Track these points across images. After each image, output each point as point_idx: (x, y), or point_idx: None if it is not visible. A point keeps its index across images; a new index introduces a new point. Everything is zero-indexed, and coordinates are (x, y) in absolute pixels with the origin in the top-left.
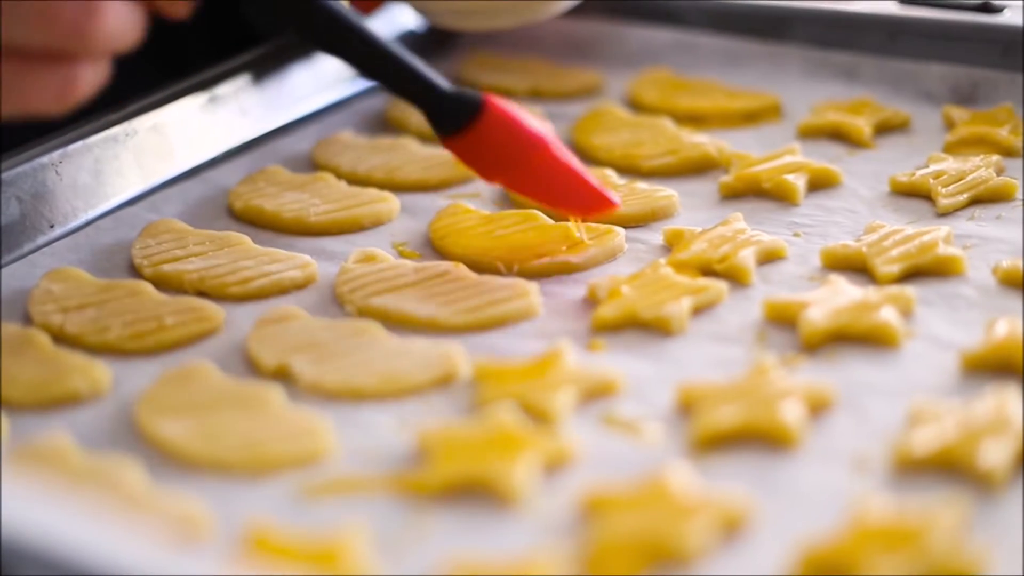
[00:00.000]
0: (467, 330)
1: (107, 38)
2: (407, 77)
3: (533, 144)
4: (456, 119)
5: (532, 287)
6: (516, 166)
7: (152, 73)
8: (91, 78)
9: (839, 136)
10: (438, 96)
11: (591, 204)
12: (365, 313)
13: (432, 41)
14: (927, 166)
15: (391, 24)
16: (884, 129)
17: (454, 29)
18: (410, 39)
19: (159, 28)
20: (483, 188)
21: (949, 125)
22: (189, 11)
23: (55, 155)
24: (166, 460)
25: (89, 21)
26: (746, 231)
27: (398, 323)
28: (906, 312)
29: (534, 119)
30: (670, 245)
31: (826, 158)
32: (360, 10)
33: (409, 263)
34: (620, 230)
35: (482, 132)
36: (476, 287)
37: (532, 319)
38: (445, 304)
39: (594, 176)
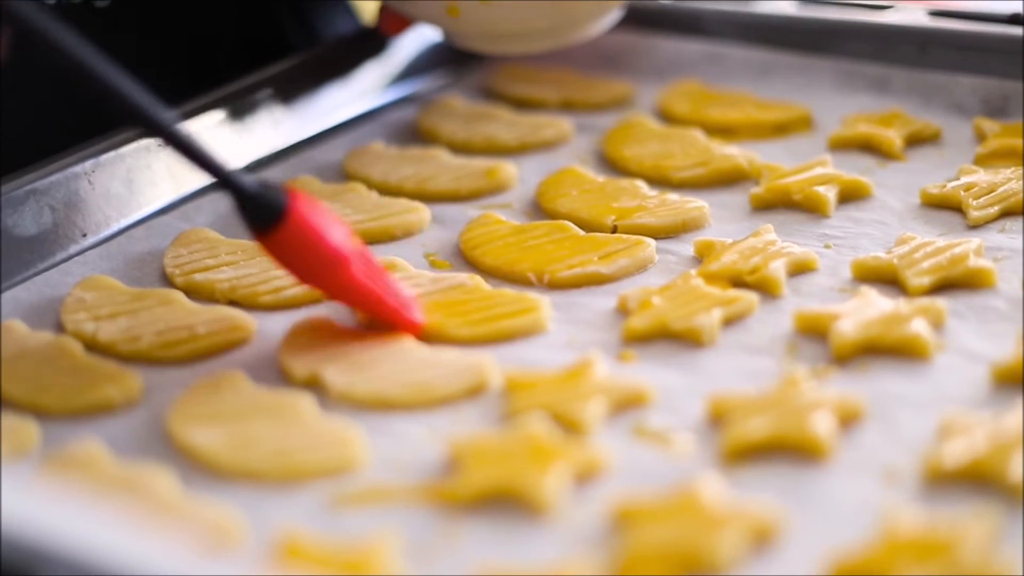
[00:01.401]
0: (476, 343)
1: None
2: (215, 172)
3: (332, 260)
4: (259, 220)
5: (543, 301)
6: (318, 276)
7: (184, 84)
8: None
9: (870, 148)
10: (243, 194)
11: (392, 323)
12: (373, 324)
13: (461, 53)
14: (958, 178)
15: (419, 38)
16: (915, 141)
17: (483, 53)
18: (440, 51)
19: (191, 41)
20: (514, 198)
21: (980, 137)
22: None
23: (88, 164)
24: (198, 468)
25: None
26: (777, 243)
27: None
28: (937, 324)
29: (340, 232)
30: (701, 256)
31: (857, 170)
32: (388, 32)
33: (427, 274)
34: (651, 241)
35: (286, 237)
36: (487, 300)
37: (541, 334)
38: (455, 315)
39: (398, 294)
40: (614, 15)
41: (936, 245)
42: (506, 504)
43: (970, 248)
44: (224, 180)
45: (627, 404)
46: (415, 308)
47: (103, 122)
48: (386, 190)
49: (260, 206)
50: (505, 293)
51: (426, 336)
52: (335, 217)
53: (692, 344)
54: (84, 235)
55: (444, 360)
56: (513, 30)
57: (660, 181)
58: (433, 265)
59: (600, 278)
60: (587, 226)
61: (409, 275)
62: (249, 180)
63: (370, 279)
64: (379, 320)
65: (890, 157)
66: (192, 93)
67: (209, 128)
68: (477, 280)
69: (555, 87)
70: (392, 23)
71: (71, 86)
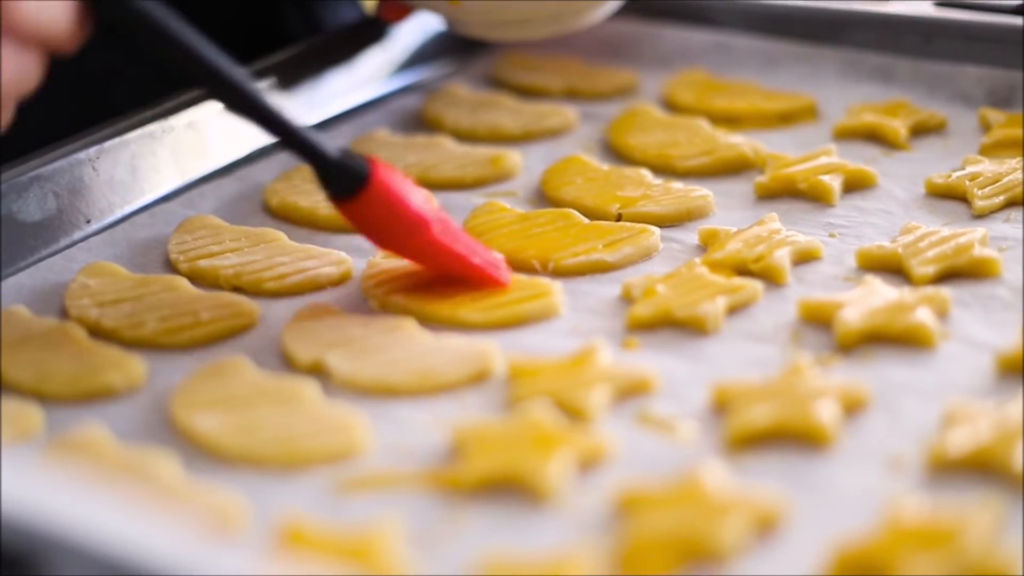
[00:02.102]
0: (489, 327)
1: (4, 90)
2: (298, 140)
3: (415, 223)
4: (341, 186)
5: (555, 286)
6: (399, 241)
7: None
8: None
9: (875, 137)
10: (326, 161)
11: (478, 282)
12: (387, 308)
13: (466, 41)
14: (963, 168)
15: (423, 26)
16: (920, 131)
17: (484, 40)
18: (444, 40)
19: (194, 29)
20: (519, 186)
21: (985, 127)
22: (78, 45)
23: (92, 151)
24: (201, 454)
25: None
26: (781, 231)
27: (420, 318)
28: (941, 313)
29: (420, 196)
30: (705, 245)
31: (862, 159)
32: (388, 19)
33: None
34: (656, 229)
35: (367, 203)
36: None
37: (554, 318)
38: (463, 301)
39: (484, 254)
40: (614, 3)
41: (941, 234)
42: (509, 491)
43: (975, 237)
44: (307, 147)
45: (631, 391)
46: (501, 266)
47: (106, 109)
48: None
49: (343, 173)
50: (516, 279)
51: (439, 322)
52: (414, 184)
53: (696, 332)
54: (88, 221)
55: (448, 347)
56: (514, 17)
57: (665, 170)
58: None
59: (604, 266)
60: (592, 214)
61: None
62: (330, 147)
63: (453, 241)
64: (465, 279)
65: (895, 147)
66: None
67: (213, 116)
68: None
69: (560, 75)
70: (393, 10)
71: (153, 50)
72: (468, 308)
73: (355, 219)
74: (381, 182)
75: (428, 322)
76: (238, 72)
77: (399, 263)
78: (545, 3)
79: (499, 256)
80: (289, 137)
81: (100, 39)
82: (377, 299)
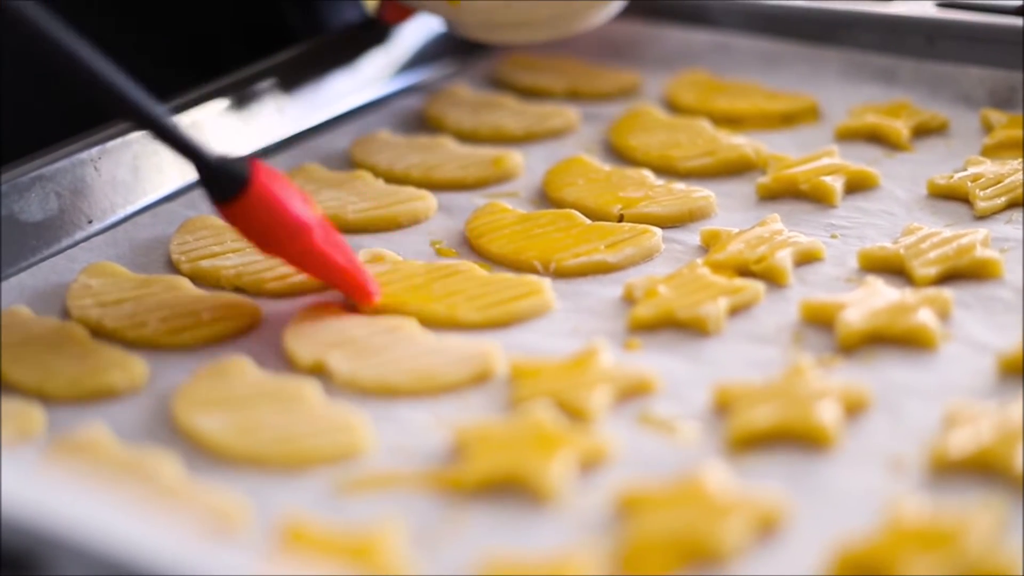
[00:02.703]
0: (483, 327)
1: None
2: (178, 142)
3: (295, 228)
4: (221, 190)
5: (546, 283)
6: (281, 245)
7: (188, 73)
8: None
9: (877, 138)
10: (205, 164)
11: (352, 292)
12: (384, 309)
13: (468, 42)
14: (965, 169)
15: (425, 27)
16: (922, 132)
17: (484, 42)
18: (446, 40)
19: (195, 30)
20: (521, 187)
21: (987, 128)
22: None
23: (94, 151)
24: (202, 454)
25: None
26: (783, 232)
27: (416, 319)
28: (943, 314)
29: (301, 201)
30: (707, 246)
31: (864, 160)
32: (389, 20)
33: (418, 262)
34: (657, 230)
35: (248, 207)
36: (489, 284)
37: (547, 315)
38: (458, 301)
39: (358, 264)
40: (616, 5)
41: (942, 235)
42: (511, 491)
43: (976, 239)
44: (186, 150)
45: (632, 392)
46: (372, 279)
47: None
48: (392, 178)
49: (223, 176)
50: (505, 277)
51: (435, 322)
52: (296, 188)
53: (698, 333)
54: (90, 221)
55: (449, 347)
56: (514, 19)
57: (667, 170)
58: (439, 253)
59: (606, 267)
60: (593, 215)
61: (400, 263)
62: (211, 151)
63: (331, 247)
64: (338, 289)
65: (897, 148)
66: (196, 82)
67: (213, 117)
68: (471, 266)
69: (562, 76)
70: (393, 12)
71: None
72: (464, 308)
73: (236, 223)
74: (261, 185)
75: (425, 323)
76: (112, 71)
77: (385, 267)
78: (544, 6)
79: (371, 276)
80: (167, 136)
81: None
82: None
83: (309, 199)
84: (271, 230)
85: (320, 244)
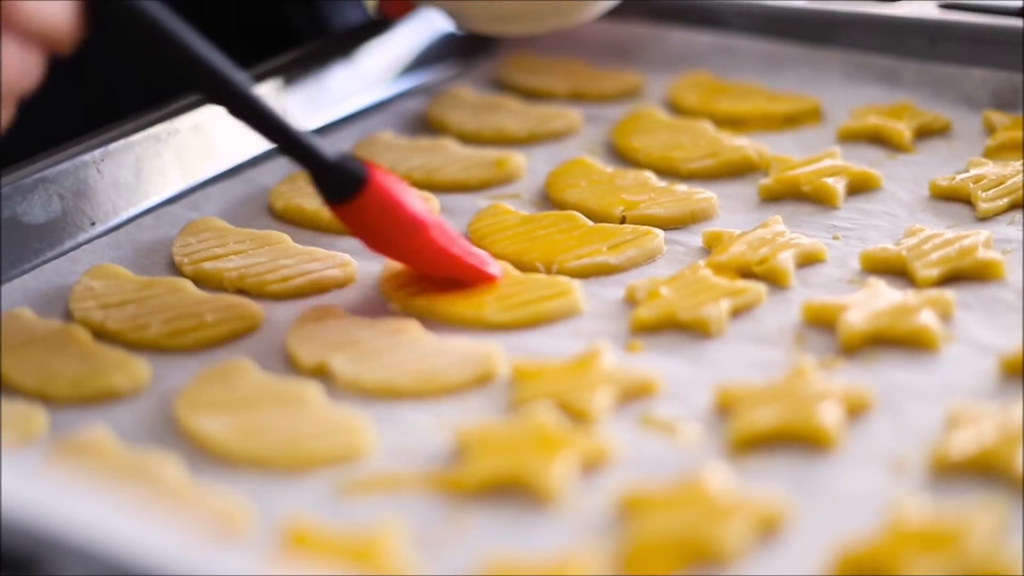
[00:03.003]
0: (512, 327)
1: (6, 88)
2: (295, 143)
3: (412, 226)
4: (339, 189)
5: (575, 284)
6: (396, 243)
7: None
8: None
9: (879, 140)
10: (323, 164)
11: (473, 280)
12: (409, 310)
13: (471, 43)
14: (967, 170)
15: (426, 28)
16: (924, 133)
17: (486, 34)
18: (449, 42)
19: (198, 30)
20: (523, 189)
21: (989, 130)
22: (76, 41)
23: (97, 153)
24: (205, 456)
25: None
26: (785, 234)
27: (440, 320)
28: (945, 316)
29: (416, 198)
30: (709, 247)
31: (866, 162)
32: (390, 14)
33: None
34: (659, 232)
35: (364, 206)
36: (519, 285)
37: (575, 317)
38: (487, 301)
39: (474, 254)
40: None
41: (945, 237)
42: (513, 493)
43: (979, 240)
44: (304, 150)
45: (634, 394)
46: (493, 264)
47: (111, 111)
48: None
49: (340, 176)
50: (534, 277)
51: (463, 323)
52: (410, 187)
53: (700, 334)
54: (93, 224)
55: (451, 349)
56: (515, 10)
57: (669, 172)
58: None
59: (608, 268)
60: (596, 217)
61: None
62: (328, 150)
63: (449, 243)
64: (457, 278)
65: (899, 149)
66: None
67: (217, 118)
68: (505, 265)
69: (564, 78)
70: (394, 6)
71: (151, 50)
72: (491, 308)
73: (352, 222)
74: (379, 185)
75: (452, 323)
76: (237, 75)
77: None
78: None
79: (489, 257)
80: (287, 141)
81: (104, 41)
82: (400, 301)
83: (425, 198)
84: (388, 228)
85: (438, 240)
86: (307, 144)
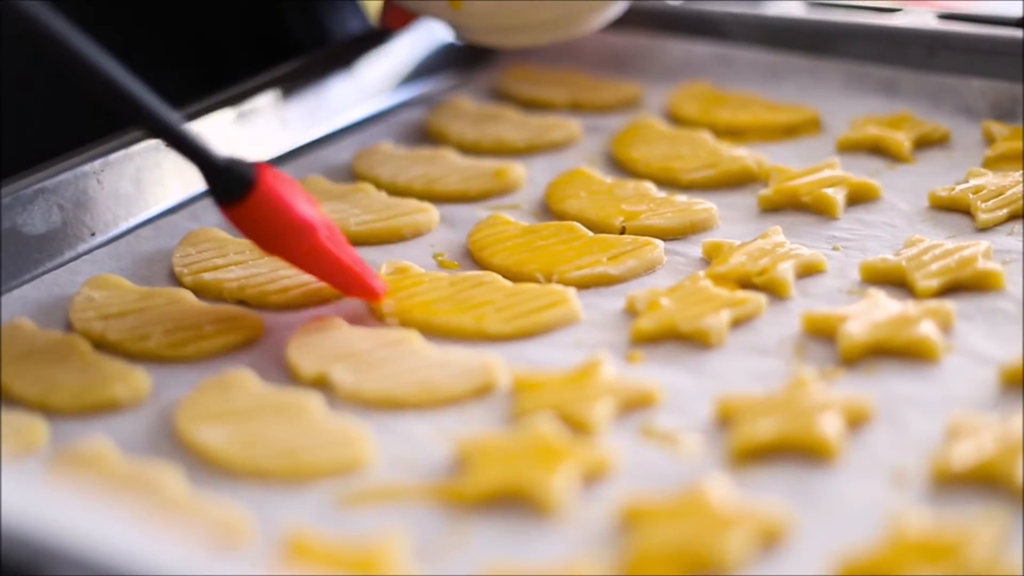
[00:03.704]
0: (511, 338)
1: None
2: (181, 141)
3: (300, 228)
4: (227, 191)
5: (571, 292)
6: (286, 246)
7: (192, 84)
8: None
9: (879, 150)
10: (211, 166)
11: (357, 290)
12: (405, 323)
13: (470, 54)
14: (967, 181)
15: (427, 38)
16: (924, 144)
17: (486, 45)
18: (448, 52)
19: (198, 40)
20: (523, 199)
21: (989, 140)
22: None
23: (97, 164)
24: (205, 467)
25: None
26: (785, 244)
27: (439, 333)
28: (945, 326)
29: (306, 201)
30: (709, 258)
31: (866, 172)
32: (391, 26)
33: (443, 273)
34: (659, 242)
35: (253, 208)
36: (515, 295)
37: (573, 325)
38: (486, 312)
39: (363, 264)
40: (617, 9)
41: (944, 247)
42: (514, 504)
43: (978, 251)
44: (194, 152)
45: (635, 405)
46: (377, 277)
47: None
48: (395, 190)
49: (229, 178)
50: (529, 287)
51: (462, 336)
52: (301, 189)
53: (700, 345)
54: (93, 234)
55: (452, 360)
56: (515, 22)
57: (669, 182)
58: (441, 265)
59: (608, 279)
60: (595, 227)
61: (425, 275)
62: (219, 154)
63: (336, 248)
64: (345, 289)
65: (899, 159)
66: (199, 93)
67: (217, 128)
68: (494, 276)
69: (564, 88)
70: (395, 17)
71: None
72: (491, 319)
73: (242, 224)
74: (267, 187)
75: (450, 335)
76: (121, 72)
77: (410, 278)
78: (545, 8)
79: (375, 272)
80: (173, 138)
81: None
82: (397, 314)
83: (314, 200)
84: (276, 231)
85: (325, 243)
86: (195, 145)
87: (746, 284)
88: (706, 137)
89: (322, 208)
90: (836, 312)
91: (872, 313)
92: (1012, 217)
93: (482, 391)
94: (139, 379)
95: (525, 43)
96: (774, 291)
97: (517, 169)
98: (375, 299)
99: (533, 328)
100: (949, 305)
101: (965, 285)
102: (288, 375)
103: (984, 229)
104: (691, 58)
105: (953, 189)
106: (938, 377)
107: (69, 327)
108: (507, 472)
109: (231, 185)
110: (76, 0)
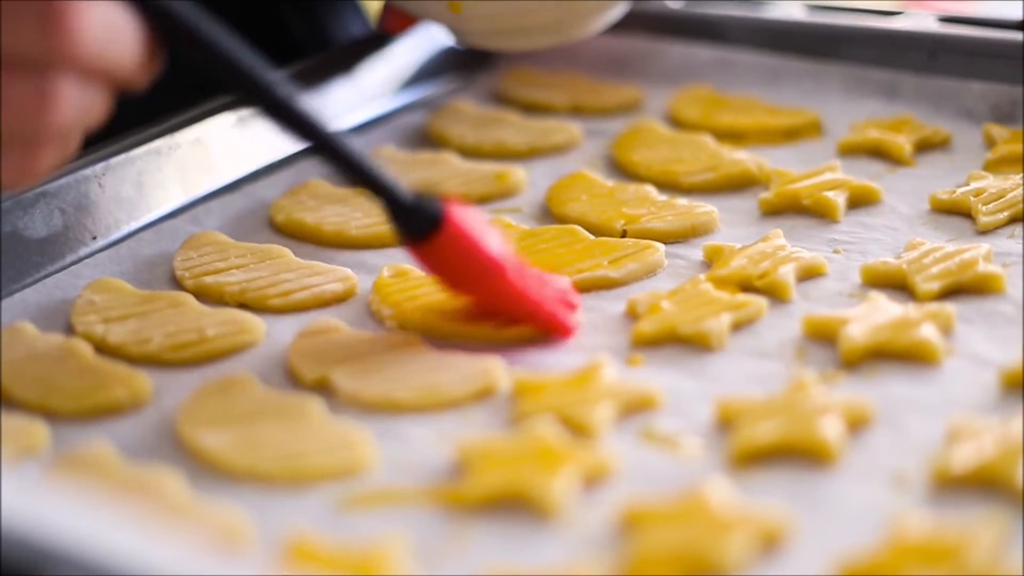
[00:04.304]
0: (511, 341)
1: (64, 124)
2: (370, 180)
3: (489, 268)
4: (414, 229)
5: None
6: (473, 285)
7: (192, 88)
8: (52, 159)
9: (879, 153)
10: (398, 203)
11: (548, 327)
12: (405, 327)
13: (471, 57)
14: (967, 184)
15: (428, 43)
16: (924, 147)
17: (487, 49)
18: (449, 56)
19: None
20: (524, 203)
21: (990, 143)
22: (149, 80)
23: (98, 167)
24: (206, 470)
25: (42, 110)
26: (786, 247)
27: (440, 336)
28: (946, 329)
29: (496, 237)
30: (710, 261)
31: (866, 175)
32: (391, 29)
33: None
34: (660, 246)
35: (440, 246)
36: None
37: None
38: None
39: (553, 297)
40: (617, 12)
41: (945, 250)
42: (514, 507)
43: (979, 254)
44: (379, 187)
45: (635, 408)
46: (571, 314)
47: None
48: None
49: (417, 215)
50: None
51: (464, 337)
52: (490, 225)
53: (701, 348)
54: (94, 238)
55: (453, 363)
56: (514, 26)
57: (669, 186)
58: None
59: (609, 282)
60: (596, 231)
61: (422, 280)
62: (405, 190)
63: (527, 285)
64: (535, 327)
65: (900, 163)
66: (200, 97)
67: (218, 132)
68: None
69: (565, 92)
70: (395, 21)
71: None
72: (491, 323)
73: (427, 261)
74: (455, 225)
75: (452, 338)
76: (322, 117)
77: (408, 282)
78: (545, 11)
79: (574, 296)
80: (362, 177)
81: None
82: (397, 318)
83: (503, 235)
84: (464, 269)
85: (515, 282)
86: (383, 182)
87: (747, 287)
88: (707, 140)
89: (324, 211)
90: (837, 315)
91: (873, 316)
92: (1013, 220)
93: (482, 394)
94: (140, 382)
95: (526, 47)
96: (775, 294)
97: (518, 173)
98: (564, 334)
99: (533, 332)
100: (950, 308)
101: (966, 288)
102: (289, 379)
103: (985, 232)
104: (692, 61)
105: (954, 192)
106: (938, 380)
107: (70, 330)
108: (508, 475)
109: (418, 223)
110: None
